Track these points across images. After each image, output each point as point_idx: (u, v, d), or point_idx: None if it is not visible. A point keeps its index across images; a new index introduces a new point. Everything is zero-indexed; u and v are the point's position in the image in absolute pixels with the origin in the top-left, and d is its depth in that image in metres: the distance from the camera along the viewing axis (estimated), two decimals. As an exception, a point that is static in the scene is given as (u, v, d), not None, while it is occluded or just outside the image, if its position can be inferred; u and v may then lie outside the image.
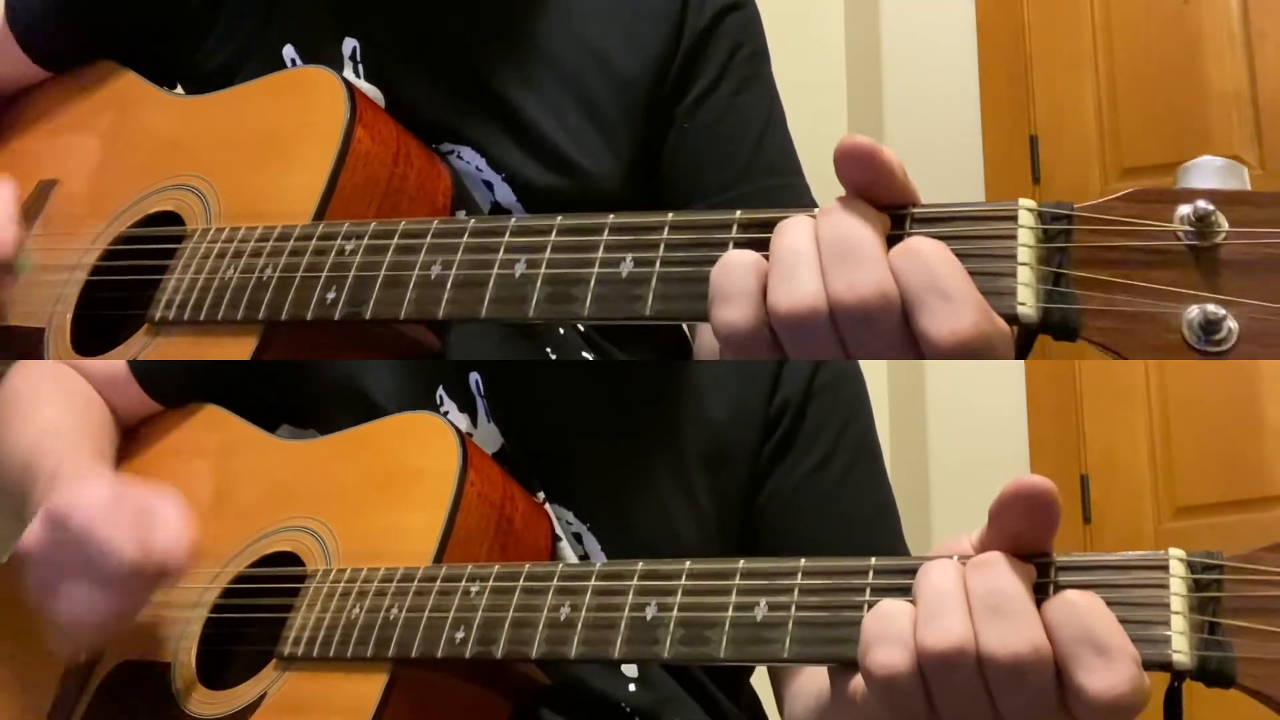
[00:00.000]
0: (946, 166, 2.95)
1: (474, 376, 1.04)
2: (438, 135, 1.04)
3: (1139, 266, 0.65)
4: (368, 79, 1.05)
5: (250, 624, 0.97)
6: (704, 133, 1.08)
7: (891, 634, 0.68)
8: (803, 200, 1.10)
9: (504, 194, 1.04)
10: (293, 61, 1.06)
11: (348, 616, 0.90)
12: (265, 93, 1.02)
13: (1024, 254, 0.67)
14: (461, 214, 1.02)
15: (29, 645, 1.02)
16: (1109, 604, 0.66)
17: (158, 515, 0.92)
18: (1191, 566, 0.67)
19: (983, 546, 0.70)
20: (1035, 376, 2.87)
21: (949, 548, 0.72)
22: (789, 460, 1.05)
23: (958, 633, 0.66)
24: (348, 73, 1.05)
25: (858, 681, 0.71)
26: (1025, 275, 0.67)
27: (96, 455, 1.03)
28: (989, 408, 2.87)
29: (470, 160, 1.04)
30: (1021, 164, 2.98)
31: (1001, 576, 0.67)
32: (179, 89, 1.13)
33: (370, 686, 0.87)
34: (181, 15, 1.09)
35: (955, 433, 2.87)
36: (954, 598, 0.67)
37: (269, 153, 0.98)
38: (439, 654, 0.85)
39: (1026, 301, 0.66)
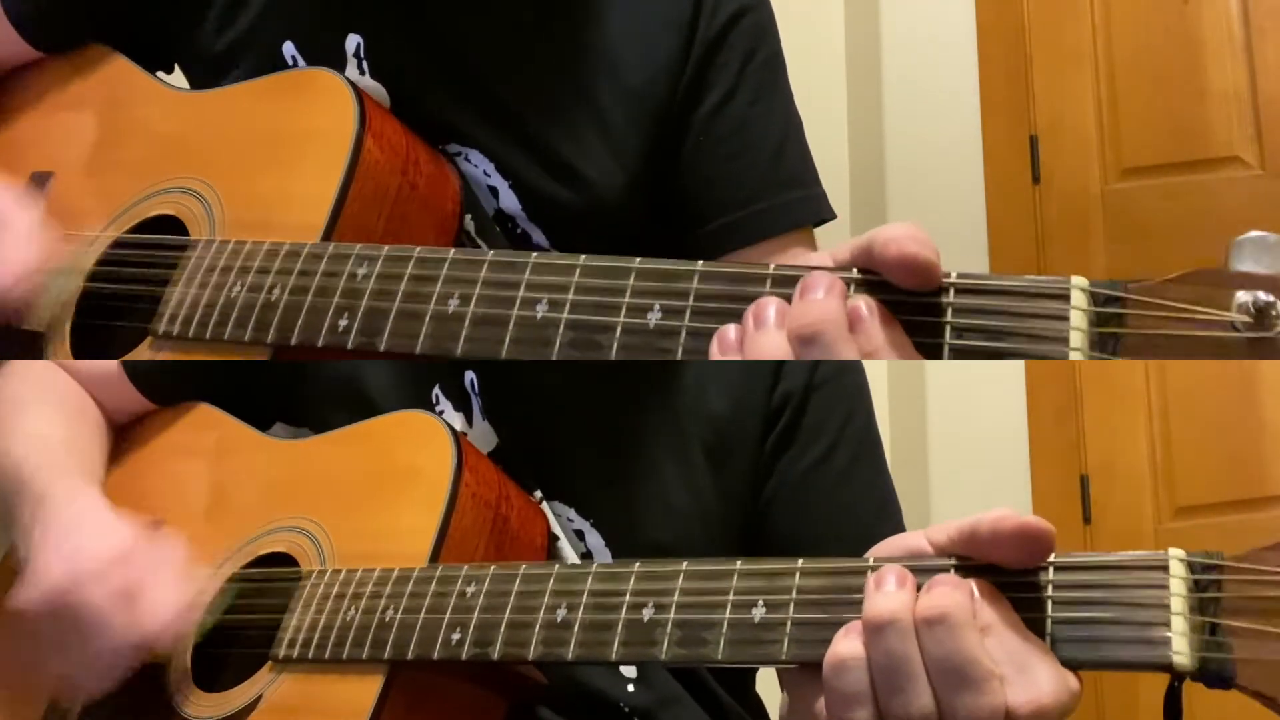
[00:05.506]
0: (946, 166, 2.94)
1: (469, 375, 1.03)
2: (444, 135, 1.03)
3: (1193, 353, 0.65)
4: (373, 75, 1.03)
5: (245, 626, 0.96)
6: (721, 146, 1.07)
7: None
8: (822, 211, 1.09)
9: (509, 200, 1.03)
10: (293, 59, 1.04)
11: (343, 618, 0.90)
12: (269, 94, 1.00)
13: (1076, 317, 0.67)
14: (469, 218, 1.02)
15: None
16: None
17: (153, 587, 0.93)
18: (1191, 567, 0.67)
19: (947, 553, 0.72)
20: (1035, 376, 2.87)
21: (901, 545, 0.74)
22: (791, 454, 1.04)
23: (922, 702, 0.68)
24: (351, 70, 1.03)
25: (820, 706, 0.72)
26: (1077, 340, 0.67)
27: (87, 475, 1.03)
28: (989, 408, 2.87)
29: (478, 164, 1.03)
30: (1021, 164, 2.97)
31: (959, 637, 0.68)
32: (176, 72, 1.10)
33: (366, 688, 0.87)
34: None
35: (955, 433, 2.86)
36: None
37: (275, 159, 0.96)
38: (435, 656, 0.85)
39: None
